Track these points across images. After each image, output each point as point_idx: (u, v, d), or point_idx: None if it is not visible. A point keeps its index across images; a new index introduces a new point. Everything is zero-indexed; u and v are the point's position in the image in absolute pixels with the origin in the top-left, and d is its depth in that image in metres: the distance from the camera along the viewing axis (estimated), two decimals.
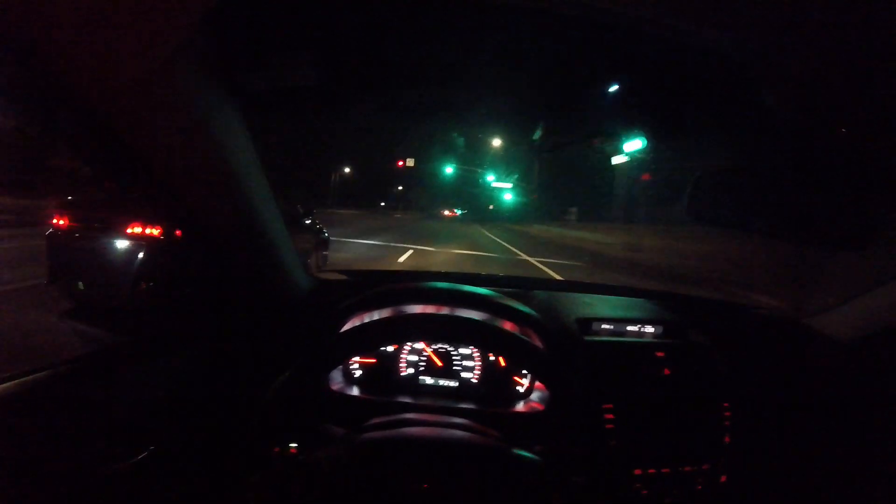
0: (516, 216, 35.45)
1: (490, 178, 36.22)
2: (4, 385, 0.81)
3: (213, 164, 0.93)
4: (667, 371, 1.27)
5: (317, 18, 0.92)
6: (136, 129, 0.81)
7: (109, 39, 0.66)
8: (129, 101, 0.75)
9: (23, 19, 0.61)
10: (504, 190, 36.65)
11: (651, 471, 1.17)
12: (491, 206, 42.76)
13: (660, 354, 1.29)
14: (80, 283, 2.26)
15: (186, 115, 0.83)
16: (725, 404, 1.24)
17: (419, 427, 1.04)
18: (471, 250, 12.63)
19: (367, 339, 1.23)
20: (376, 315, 1.31)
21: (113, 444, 0.94)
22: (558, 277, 7.49)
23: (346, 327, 1.28)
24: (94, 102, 0.74)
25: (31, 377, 0.85)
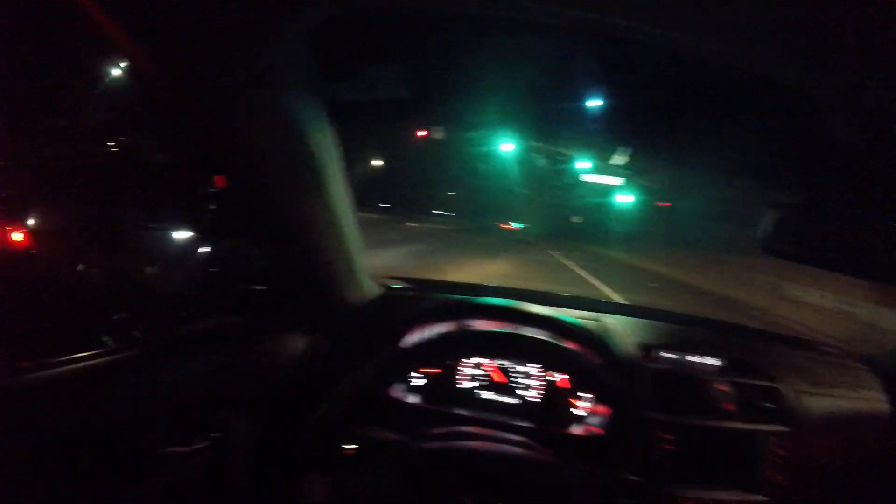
0: (645, 235, 18.89)
1: (582, 165, 16.84)
2: (70, 367, 0.86)
3: (307, 167, 0.99)
4: (727, 405, 1.25)
5: (406, 36, 0.97)
6: (235, 132, 0.86)
7: (216, 43, 0.71)
8: (229, 103, 0.81)
9: (134, 25, 0.67)
10: (609, 189, 18.43)
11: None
12: (575, 218, 25.06)
13: (722, 388, 1.27)
14: (149, 268, 2.37)
15: (285, 120, 0.89)
16: (785, 443, 1.22)
17: (477, 441, 1.07)
18: None
19: (429, 355, 1.26)
20: (437, 329, 1.34)
21: (177, 430, 1.00)
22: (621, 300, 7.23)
23: (409, 339, 1.32)
24: (195, 103, 0.80)
25: (98, 360, 0.90)
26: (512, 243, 16.97)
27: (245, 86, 0.78)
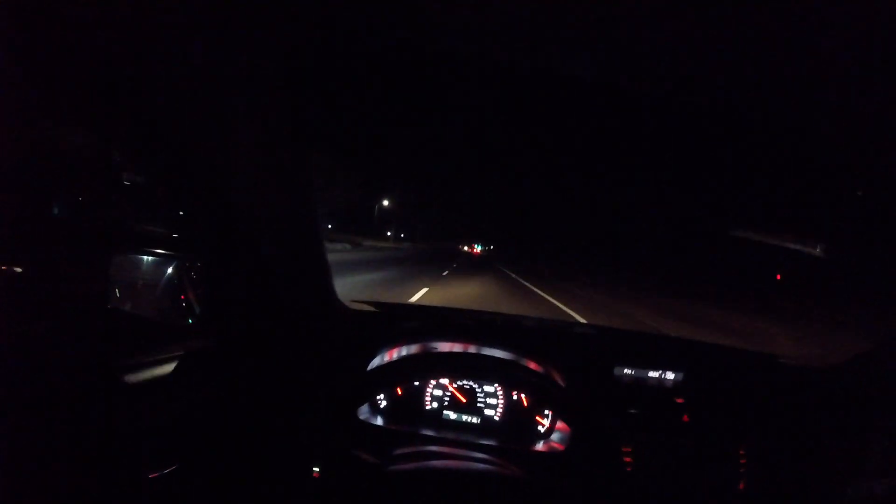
0: None
1: None
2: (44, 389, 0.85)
3: (280, 183, 1.00)
4: (685, 418, 1.31)
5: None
6: (211, 145, 0.88)
7: (191, 51, 0.73)
8: (203, 116, 0.82)
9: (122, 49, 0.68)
10: None
11: None
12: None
13: (679, 401, 1.33)
14: (117, 291, 2.28)
15: (259, 132, 0.91)
16: (741, 451, 1.27)
17: (444, 460, 1.09)
18: None
19: (395, 377, 1.27)
20: (405, 351, 1.36)
21: (144, 456, 0.97)
22: (583, 320, 7.27)
23: (376, 363, 1.34)
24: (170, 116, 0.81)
25: (68, 385, 0.89)
26: None
27: (220, 98, 0.79)
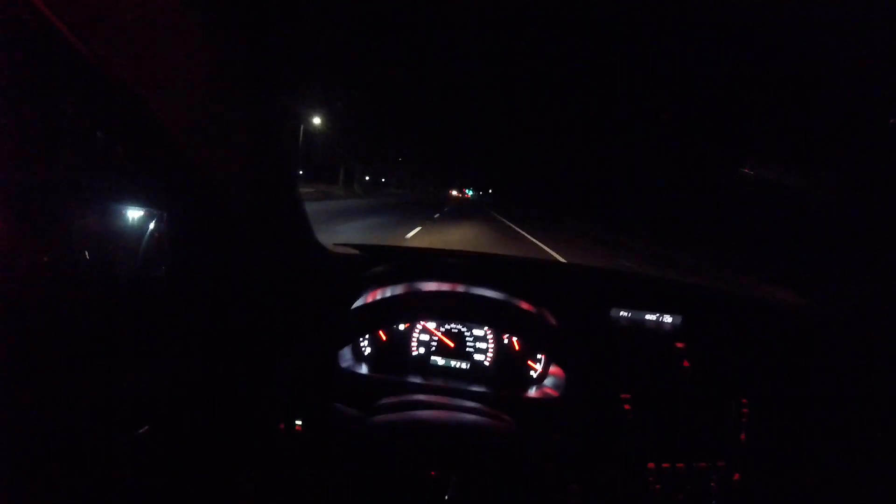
0: None
1: None
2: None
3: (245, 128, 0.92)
4: (686, 363, 1.24)
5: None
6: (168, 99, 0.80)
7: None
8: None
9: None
10: None
11: (665, 465, 1.14)
12: None
13: (679, 346, 1.26)
14: (87, 253, 2.26)
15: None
16: (744, 401, 1.21)
17: (430, 410, 1.03)
18: None
19: (379, 316, 1.20)
20: (389, 292, 1.28)
21: (119, 418, 0.92)
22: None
23: (359, 303, 1.26)
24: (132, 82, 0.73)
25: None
26: None
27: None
